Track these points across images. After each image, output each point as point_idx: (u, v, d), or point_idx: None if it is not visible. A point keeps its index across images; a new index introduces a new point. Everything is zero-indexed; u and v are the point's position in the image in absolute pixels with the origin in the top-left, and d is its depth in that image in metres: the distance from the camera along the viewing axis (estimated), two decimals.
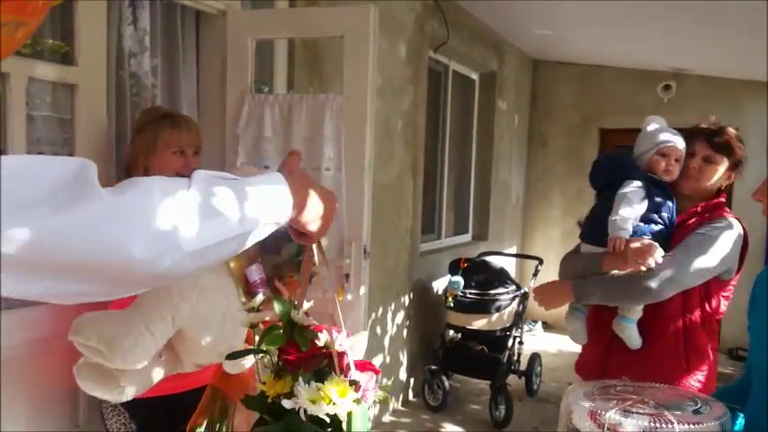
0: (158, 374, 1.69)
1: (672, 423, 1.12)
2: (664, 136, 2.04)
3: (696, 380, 1.98)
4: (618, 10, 4.26)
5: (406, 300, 4.43)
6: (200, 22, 2.72)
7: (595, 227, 2.05)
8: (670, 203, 2.01)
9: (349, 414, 0.95)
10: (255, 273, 1.72)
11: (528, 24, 5.33)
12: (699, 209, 2.03)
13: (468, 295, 4.38)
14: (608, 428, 1.16)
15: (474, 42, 5.23)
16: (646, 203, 1.98)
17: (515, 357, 4.52)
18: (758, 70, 5.07)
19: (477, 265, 4.64)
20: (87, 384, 1.62)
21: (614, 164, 2.14)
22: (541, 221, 6.93)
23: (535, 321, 6.44)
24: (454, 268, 4.62)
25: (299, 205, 0.88)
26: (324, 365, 1.00)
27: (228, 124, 2.55)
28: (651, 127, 2.11)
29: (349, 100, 2.37)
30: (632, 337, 1.98)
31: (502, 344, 4.38)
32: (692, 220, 2.01)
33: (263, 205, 0.82)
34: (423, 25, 4.31)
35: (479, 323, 4.36)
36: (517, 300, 4.42)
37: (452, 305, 4.39)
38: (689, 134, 2.08)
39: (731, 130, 2.04)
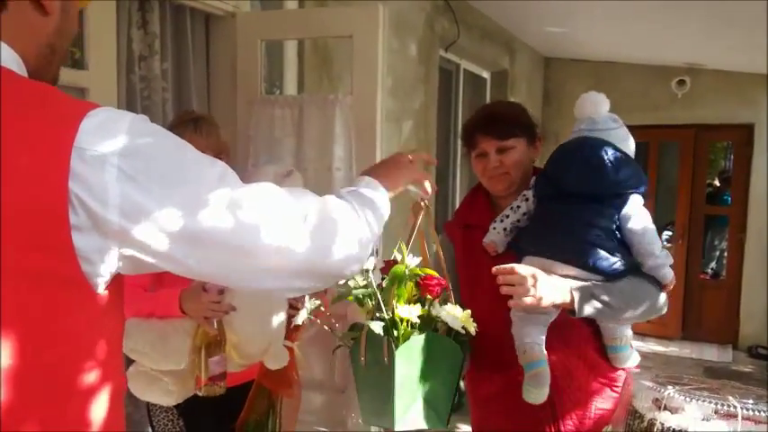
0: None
1: (735, 407, 1.07)
2: None
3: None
4: (630, 5, 4.22)
5: None
6: (209, 24, 2.73)
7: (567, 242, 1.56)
8: None
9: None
10: None
11: (539, 22, 5.29)
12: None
13: None
14: (666, 408, 1.12)
15: (485, 41, 5.21)
16: None
17: None
18: None
19: None
20: (138, 388, 1.75)
21: (623, 164, 1.57)
22: None
23: None
24: None
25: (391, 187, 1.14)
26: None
27: (239, 125, 2.56)
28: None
29: (359, 99, 2.37)
30: (635, 358, 1.59)
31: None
32: None
33: (384, 209, 1.07)
34: (433, 24, 4.30)
35: None
36: None
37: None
38: (467, 133, 1.73)
39: (502, 103, 1.79)
